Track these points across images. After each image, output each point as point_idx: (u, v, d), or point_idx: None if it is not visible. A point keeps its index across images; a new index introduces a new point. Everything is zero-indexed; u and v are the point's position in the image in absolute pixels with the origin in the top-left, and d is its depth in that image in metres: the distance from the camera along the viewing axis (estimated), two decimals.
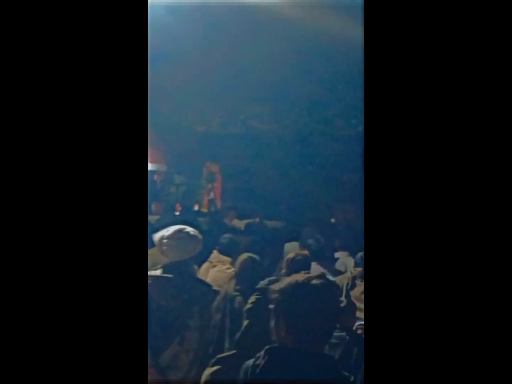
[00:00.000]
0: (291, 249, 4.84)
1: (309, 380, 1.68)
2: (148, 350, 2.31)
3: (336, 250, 5.31)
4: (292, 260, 3.90)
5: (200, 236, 3.07)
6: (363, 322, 3.52)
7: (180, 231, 2.99)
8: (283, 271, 3.96)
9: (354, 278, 4.23)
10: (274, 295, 1.78)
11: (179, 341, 2.87)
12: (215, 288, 3.28)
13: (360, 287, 4.09)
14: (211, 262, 4.58)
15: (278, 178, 8.70)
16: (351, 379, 1.83)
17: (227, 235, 4.85)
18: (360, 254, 4.45)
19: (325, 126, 8.80)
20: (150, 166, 8.06)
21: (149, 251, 2.62)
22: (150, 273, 2.86)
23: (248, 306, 2.57)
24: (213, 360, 2.54)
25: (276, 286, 1.79)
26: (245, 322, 2.56)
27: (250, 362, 1.76)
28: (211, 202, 9.28)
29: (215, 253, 4.66)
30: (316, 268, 4.33)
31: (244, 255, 3.93)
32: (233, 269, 4.12)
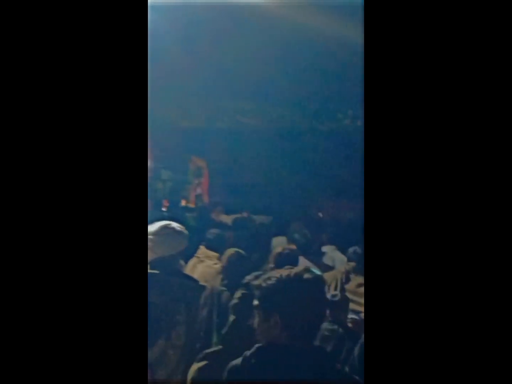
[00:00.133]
0: (279, 244, 4.85)
1: (304, 380, 1.67)
2: None
3: (323, 244, 5.32)
4: (280, 254, 3.91)
5: (186, 232, 3.06)
6: (355, 316, 3.56)
7: (166, 227, 2.98)
8: (271, 265, 3.97)
9: (347, 273, 4.24)
10: (257, 291, 1.77)
11: (166, 337, 2.86)
12: (202, 283, 3.27)
13: (354, 281, 4.11)
14: (198, 257, 4.57)
15: (265, 172, 8.70)
16: (346, 370, 1.83)
17: (213, 230, 4.85)
18: (353, 249, 4.46)
19: (311, 121, 8.81)
20: None
21: None
22: None
23: (234, 301, 2.56)
24: (199, 356, 2.54)
25: (258, 282, 1.78)
26: (231, 318, 2.55)
27: (239, 360, 1.74)
28: (198, 197, 9.25)
29: (202, 248, 4.65)
30: (303, 262, 4.34)
31: (231, 250, 3.93)
32: (220, 264, 4.12)
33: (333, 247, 5.22)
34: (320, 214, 7.79)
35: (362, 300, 3.40)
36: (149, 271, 2.88)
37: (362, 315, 3.54)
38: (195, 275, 4.17)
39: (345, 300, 3.52)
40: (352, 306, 3.64)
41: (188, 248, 3.88)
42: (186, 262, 4.47)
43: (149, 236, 2.93)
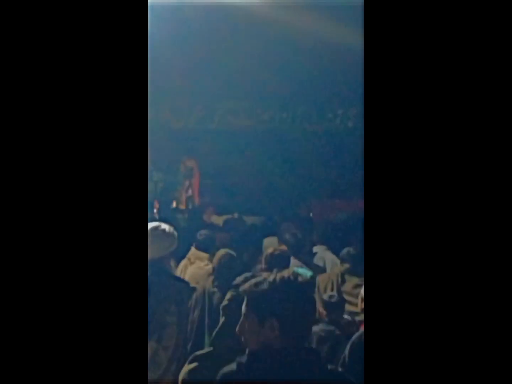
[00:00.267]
0: (270, 244, 4.85)
1: (299, 380, 1.66)
2: None
3: (314, 245, 5.33)
4: (271, 255, 3.91)
5: (175, 233, 3.06)
6: (348, 317, 3.58)
7: (155, 228, 2.98)
8: (263, 266, 3.97)
9: (343, 274, 4.26)
10: (245, 297, 1.76)
11: (157, 338, 2.85)
12: (192, 285, 3.27)
13: (349, 282, 4.13)
14: (189, 259, 4.57)
15: (256, 173, 8.70)
16: (339, 371, 1.83)
17: (203, 232, 4.85)
18: (347, 250, 4.48)
19: (302, 122, 8.81)
20: None
21: None
22: None
23: (225, 303, 2.56)
24: (190, 358, 2.53)
25: (246, 287, 1.77)
26: (222, 319, 2.55)
27: (233, 366, 1.72)
28: (189, 199, 9.23)
29: (192, 249, 4.65)
30: (295, 263, 4.35)
31: (222, 251, 3.93)
32: (211, 265, 4.12)
33: (323, 247, 5.23)
34: (311, 215, 7.80)
35: (357, 301, 3.42)
36: None
37: (355, 315, 3.57)
38: (186, 277, 4.17)
39: (341, 301, 3.54)
40: (348, 307, 3.67)
41: (179, 250, 3.88)
42: (177, 264, 4.48)
43: None
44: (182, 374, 2.51)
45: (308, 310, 1.78)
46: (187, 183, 9.30)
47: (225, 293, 2.73)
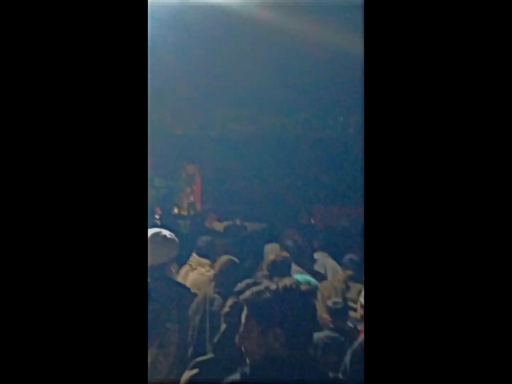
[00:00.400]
0: (271, 250, 4.85)
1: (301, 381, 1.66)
2: None
3: (315, 251, 5.32)
4: (273, 262, 3.91)
5: (176, 240, 3.06)
6: (350, 324, 3.57)
7: (156, 234, 2.98)
8: (264, 273, 3.97)
9: (346, 281, 4.26)
10: (246, 305, 1.75)
11: (158, 344, 2.85)
12: (193, 291, 3.27)
13: (354, 288, 4.12)
14: (190, 265, 4.57)
15: (257, 180, 8.71)
16: (340, 378, 1.82)
17: (204, 238, 4.85)
18: (349, 256, 4.46)
19: (304, 129, 8.83)
20: None
21: None
22: None
23: (226, 309, 2.56)
24: (191, 364, 2.53)
25: (245, 296, 1.76)
26: (223, 326, 2.54)
27: (237, 376, 1.72)
28: (191, 205, 9.23)
29: (194, 256, 4.65)
30: (296, 270, 4.34)
31: (224, 257, 3.93)
32: (212, 271, 4.11)
33: (325, 254, 5.22)
34: (312, 221, 7.80)
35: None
36: None
37: (358, 322, 3.56)
38: (188, 283, 4.16)
39: (346, 308, 3.53)
40: (353, 314, 3.66)
41: (181, 256, 3.88)
42: (178, 270, 4.48)
43: None
44: (183, 380, 2.51)
45: (311, 318, 1.78)
46: (188, 189, 9.31)
47: (227, 300, 2.73)
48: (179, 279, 4.33)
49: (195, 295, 3.28)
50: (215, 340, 2.58)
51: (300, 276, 4.31)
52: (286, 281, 1.76)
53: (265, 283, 1.78)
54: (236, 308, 2.41)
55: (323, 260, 5.10)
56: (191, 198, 9.28)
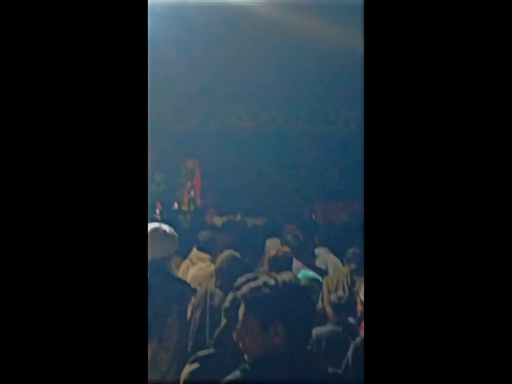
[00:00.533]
0: (272, 245, 4.85)
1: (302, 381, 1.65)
2: None
3: (316, 246, 5.31)
4: (274, 257, 3.91)
5: (176, 235, 3.05)
6: (353, 319, 3.56)
7: (156, 229, 2.98)
8: (265, 268, 3.96)
9: (350, 275, 4.24)
10: (244, 301, 1.74)
11: (158, 339, 2.85)
12: (193, 286, 3.27)
13: (359, 282, 4.10)
14: (191, 260, 4.57)
15: (258, 175, 8.70)
16: (340, 374, 1.82)
17: (204, 233, 4.86)
18: (352, 250, 4.46)
19: (304, 124, 8.81)
20: None
21: None
22: None
23: (226, 304, 2.55)
24: (191, 358, 2.52)
25: (242, 291, 1.75)
26: (224, 321, 2.54)
27: (237, 373, 1.71)
28: (192, 200, 9.23)
29: (194, 250, 4.65)
30: (297, 265, 4.34)
31: (226, 252, 3.92)
32: (213, 266, 4.11)
33: (325, 249, 5.22)
34: (313, 216, 7.79)
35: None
36: None
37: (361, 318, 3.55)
38: (188, 278, 4.17)
39: (351, 302, 3.52)
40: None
41: (181, 251, 3.87)
42: (178, 265, 4.48)
43: None
44: (183, 375, 2.50)
45: (312, 313, 1.77)
46: (189, 184, 9.30)
47: (227, 294, 2.72)
48: (180, 274, 4.33)
49: (195, 290, 3.28)
50: (216, 335, 2.57)
51: (304, 272, 4.31)
52: (285, 276, 1.75)
53: (263, 278, 1.77)
54: (237, 303, 2.40)
55: (324, 256, 5.09)
56: (192, 193, 9.27)
